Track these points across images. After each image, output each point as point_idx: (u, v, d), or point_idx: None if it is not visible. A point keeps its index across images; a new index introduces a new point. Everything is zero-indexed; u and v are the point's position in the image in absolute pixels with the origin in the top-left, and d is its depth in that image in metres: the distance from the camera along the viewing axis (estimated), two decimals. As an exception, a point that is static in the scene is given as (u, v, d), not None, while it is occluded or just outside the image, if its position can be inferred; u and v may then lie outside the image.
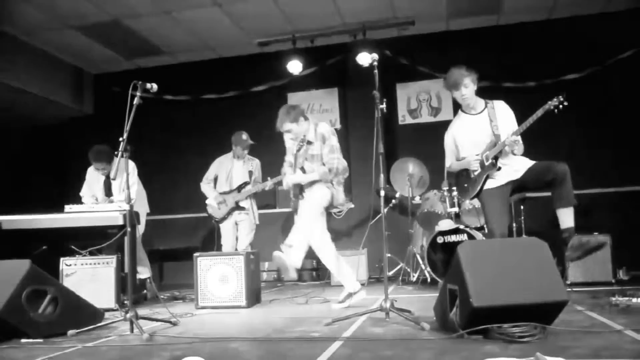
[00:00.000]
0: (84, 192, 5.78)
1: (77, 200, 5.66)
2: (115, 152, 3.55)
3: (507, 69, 6.94)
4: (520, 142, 3.93)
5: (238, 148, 6.03)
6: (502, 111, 4.07)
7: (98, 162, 5.57)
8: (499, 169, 3.97)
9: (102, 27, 7.02)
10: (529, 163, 3.99)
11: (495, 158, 4.00)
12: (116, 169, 3.65)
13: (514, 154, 3.96)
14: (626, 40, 6.76)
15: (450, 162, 4.30)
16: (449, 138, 4.25)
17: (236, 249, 5.93)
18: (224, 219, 6.05)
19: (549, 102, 3.79)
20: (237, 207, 6.00)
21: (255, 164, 6.15)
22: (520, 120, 3.95)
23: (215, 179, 6.18)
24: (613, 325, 2.92)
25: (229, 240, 6.05)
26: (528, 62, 6.98)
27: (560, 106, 3.79)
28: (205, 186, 6.16)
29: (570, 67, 6.93)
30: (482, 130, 4.03)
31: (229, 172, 6.12)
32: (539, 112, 3.80)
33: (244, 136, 6.03)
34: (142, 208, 5.86)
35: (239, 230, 6.07)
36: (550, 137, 6.80)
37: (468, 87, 4.06)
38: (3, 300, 3.13)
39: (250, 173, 6.09)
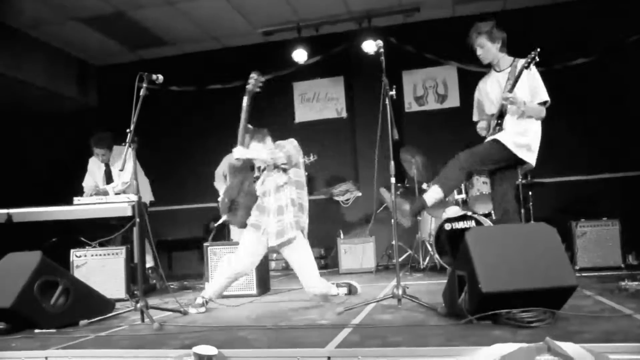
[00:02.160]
0: (87, 183, 5.81)
1: (81, 191, 5.70)
2: (123, 143, 3.56)
3: (514, 55, 6.88)
4: (521, 103, 3.82)
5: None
6: (525, 73, 3.89)
7: (99, 147, 5.63)
8: (501, 129, 3.95)
9: (105, 19, 7.01)
10: (510, 139, 3.88)
11: (500, 118, 3.95)
12: (124, 159, 3.66)
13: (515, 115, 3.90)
14: (635, 24, 6.68)
15: (476, 117, 4.32)
16: (475, 92, 4.27)
17: None
18: None
19: (526, 60, 3.80)
20: None
21: None
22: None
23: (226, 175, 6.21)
24: (623, 309, 2.91)
25: (237, 233, 6.10)
26: (535, 47, 6.91)
27: (536, 59, 3.78)
28: (218, 184, 6.17)
29: (578, 52, 6.87)
30: (500, 89, 3.97)
31: None
32: (519, 67, 3.83)
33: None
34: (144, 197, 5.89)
35: None
36: (558, 122, 6.77)
37: (484, 46, 3.98)
38: (16, 291, 3.17)
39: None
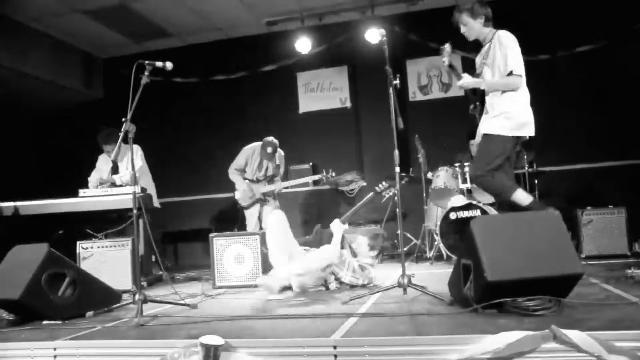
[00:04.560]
0: (91, 178, 5.81)
1: (87, 184, 5.72)
2: (119, 133, 3.52)
3: (519, 42, 6.81)
4: (479, 83, 3.85)
5: (262, 152, 6.02)
6: (495, 45, 3.89)
7: (109, 144, 5.61)
8: (482, 109, 3.98)
9: (109, 10, 7.00)
10: (497, 125, 3.85)
11: (480, 101, 3.96)
12: (117, 150, 3.65)
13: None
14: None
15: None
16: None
17: (261, 228, 6.02)
18: (248, 207, 6.15)
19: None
20: (264, 199, 6.10)
21: (280, 157, 6.17)
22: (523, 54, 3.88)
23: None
24: (628, 297, 2.91)
25: (252, 222, 6.15)
26: (541, 34, 6.85)
27: (447, 51, 3.93)
28: (235, 175, 6.16)
29: (584, 38, 6.80)
30: (478, 63, 4.02)
31: (255, 167, 6.14)
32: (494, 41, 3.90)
33: (269, 149, 5.92)
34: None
35: (263, 210, 6.15)
36: (564, 110, 6.73)
37: (467, 23, 4.00)
38: (24, 283, 3.19)
39: (278, 167, 6.13)
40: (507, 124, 3.84)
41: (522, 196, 3.84)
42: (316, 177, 6.05)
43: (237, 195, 6.17)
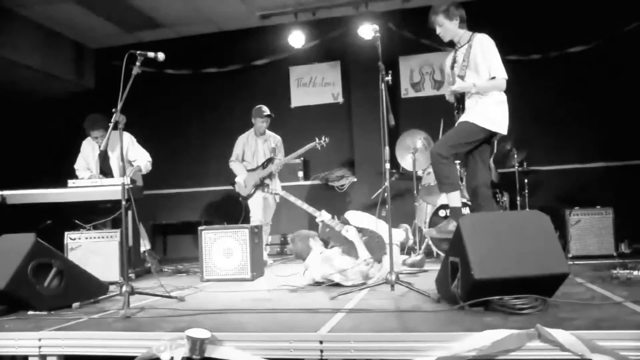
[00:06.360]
0: (79, 165, 5.76)
1: (75, 174, 5.67)
2: (109, 123, 3.48)
3: (512, 42, 6.85)
4: (470, 87, 3.89)
5: (257, 120, 6.01)
6: (475, 48, 3.95)
7: (95, 130, 5.54)
8: (463, 110, 4.02)
9: (101, -1, 6.94)
10: (476, 116, 3.91)
11: (460, 102, 4.00)
12: (106, 141, 3.62)
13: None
14: (634, 11, 6.64)
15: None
16: (445, 68, 4.33)
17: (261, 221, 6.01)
18: (250, 196, 6.11)
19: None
20: (262, 183, 6.07)
21: (276, 140, 6.18)
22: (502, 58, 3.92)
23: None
24: (613, 297, 2.94)
25: (258, 213, 6.05)
26: (533, 34, 6.88)
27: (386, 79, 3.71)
28: (236, 165, 6.13)
29: (576, 39, 6.83)
30: (458, 66, 4.04)
31: (254, 151, 6.13)
32: (474, 44, 3.93)
33: (263, 107, 6.04)
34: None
35: (268, 199, 6.15)
36: (555, 111, 6.77)
37: (442, 25, 4.07)
38: (10, 273, 3.16)
39: (274, 150, 6.11)
40: (482, 117, 3.91)
41: (454, 197, 3.96)
42: (310, 145, 6.05)
43: (237, 187, 6.12)
